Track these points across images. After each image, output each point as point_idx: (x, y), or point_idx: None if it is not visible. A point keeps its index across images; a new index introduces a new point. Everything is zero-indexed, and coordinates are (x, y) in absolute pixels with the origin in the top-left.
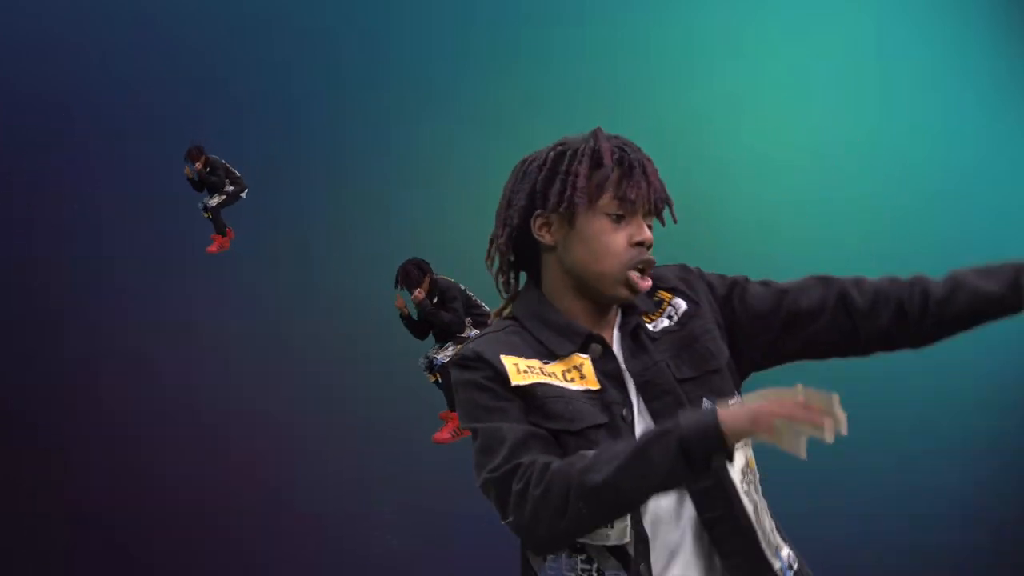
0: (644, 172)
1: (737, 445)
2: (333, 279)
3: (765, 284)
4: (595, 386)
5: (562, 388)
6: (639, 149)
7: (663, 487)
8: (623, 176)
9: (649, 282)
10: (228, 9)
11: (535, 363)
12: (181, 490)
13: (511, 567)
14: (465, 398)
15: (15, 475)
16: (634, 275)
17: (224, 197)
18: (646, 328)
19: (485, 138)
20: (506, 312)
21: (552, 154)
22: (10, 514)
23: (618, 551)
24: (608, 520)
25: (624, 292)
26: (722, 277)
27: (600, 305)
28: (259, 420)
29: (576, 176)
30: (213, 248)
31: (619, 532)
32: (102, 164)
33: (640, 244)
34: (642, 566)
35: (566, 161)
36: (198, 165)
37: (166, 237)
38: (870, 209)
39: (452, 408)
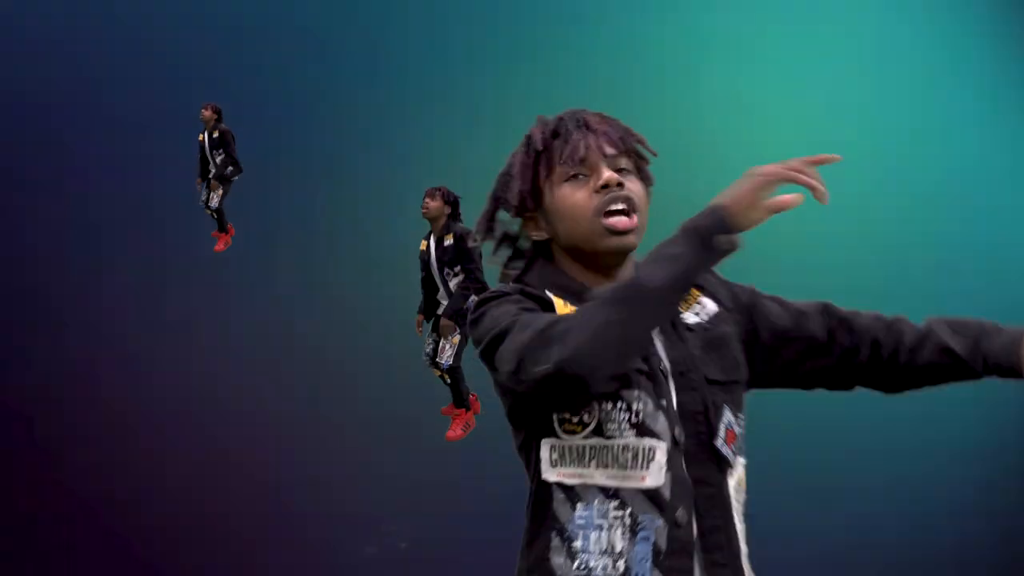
0: (584, 126)
1: (737, 460)
2: (333, 279)
3: (777, 301)
4: None
5: None
6: (584, 110)
7: (684, 275)
8: (561, 142)
9: (628, 219)
10: (228, 9)
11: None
12: (181, 490)
13: (511, 567)
14: (498, 312)
15: (15, 475)
16: (609, 219)
17: (221, 192)
18: (680, 317)
19: (485, 138)
20: (512, 285)
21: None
22: (10, 514)
23: (653, 495)
24: (645, 326)
25: (609, 241)
26: (742, 285)
27: (610, 279)
28: (259, 420)
29: (515, 166)
30: (220, 246)
31: (655, 474)
32: (102, 164)
33: (605, 187)
34: (679, 510)
35: (507, 165)
36: (207, 114)
37: (166, 237)
38: (870, 209)
39: (457, 405)
